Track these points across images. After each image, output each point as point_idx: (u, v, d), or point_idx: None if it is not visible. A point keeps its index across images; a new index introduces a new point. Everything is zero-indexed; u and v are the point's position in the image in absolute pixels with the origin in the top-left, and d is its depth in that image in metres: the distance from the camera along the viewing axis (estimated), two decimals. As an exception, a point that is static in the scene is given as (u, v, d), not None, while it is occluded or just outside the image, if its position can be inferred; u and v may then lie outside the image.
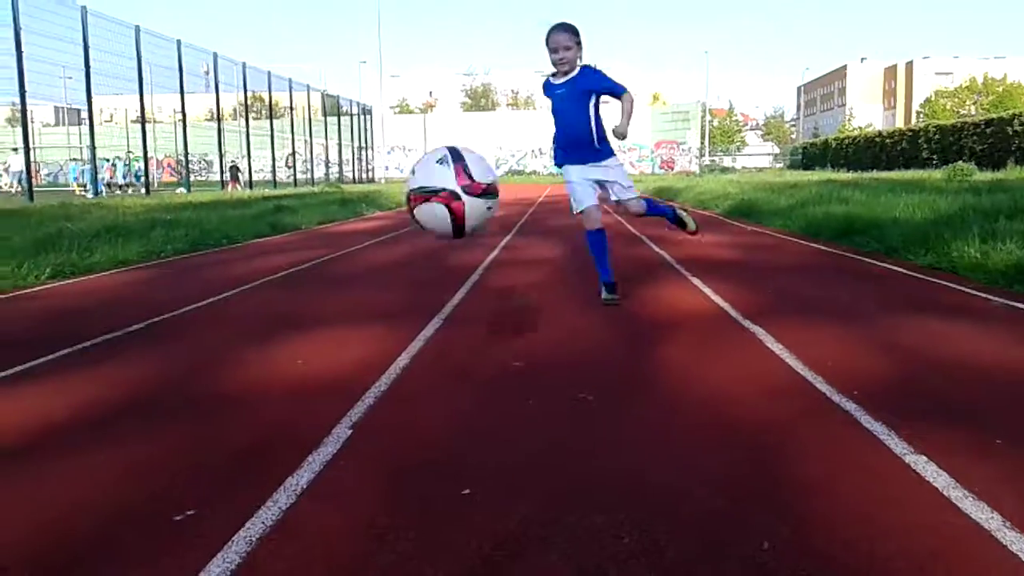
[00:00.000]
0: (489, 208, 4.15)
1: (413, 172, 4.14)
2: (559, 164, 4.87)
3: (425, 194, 3.99)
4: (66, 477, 2.11)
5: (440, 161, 4.02)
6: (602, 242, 4.78)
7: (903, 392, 2.79)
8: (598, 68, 4.68)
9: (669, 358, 3.38)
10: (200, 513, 1.85)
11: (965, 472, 2.01)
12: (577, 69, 4.57)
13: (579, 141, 4.67)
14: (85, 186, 27.57)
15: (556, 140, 4.83)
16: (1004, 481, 1.97)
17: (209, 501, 1.93)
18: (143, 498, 1.97)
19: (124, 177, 32.71)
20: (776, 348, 3.44)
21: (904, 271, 5.81)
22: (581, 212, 4.76)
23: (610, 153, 4.74)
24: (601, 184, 4.78)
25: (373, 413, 2.63)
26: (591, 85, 4.57)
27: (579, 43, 4.53)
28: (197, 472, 2.14)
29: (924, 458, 2.12)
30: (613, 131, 4.48)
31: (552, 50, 4.53)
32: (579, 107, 4.57)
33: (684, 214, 5.45)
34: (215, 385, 3.06)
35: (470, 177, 4.00)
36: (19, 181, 26.84)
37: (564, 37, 4.48)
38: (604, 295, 4.68)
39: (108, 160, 36.24)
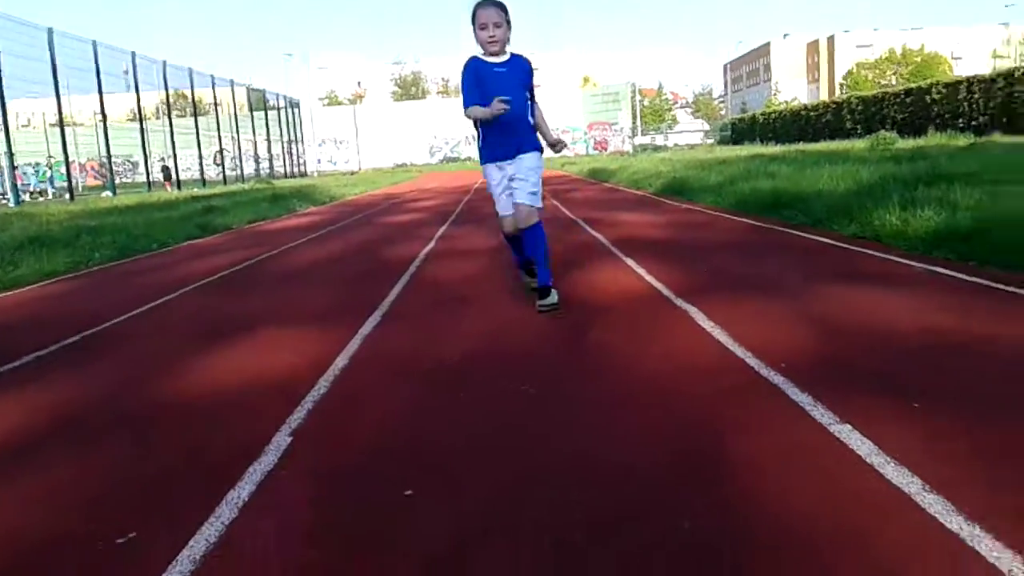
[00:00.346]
0: None
1: None
2: (485, 160, 4.34)
3: None
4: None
5: None
6: (541, 235, 4.28)
7: (828, 363, 2.89)
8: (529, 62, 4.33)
9: (605, 343, 3.43)
10: (142, 535, 1.84)
11: (887, 438, 2.10)
12: (509, 54, 4.21)
13: (517, 126, 4.21)
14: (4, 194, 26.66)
15: (488, 129, 4.22)
16: (923, 446, 2.06)
17: (151, 521, 1.91)
18: (82, 523, 1.94)
19: (37, 184, 31.74)
20: (707, 325, 3.53)
21: (830, 242, 5.98)
22: (500, 218, 4.38)
23: (539, 148, 4.36)
24: (511, 179, 4.25)
25: (313, 418, 2.63)
26: (527, 72, 4.26)
27: (508, 21, 4.17)
28: (136, 491, 2.12)
29: (848, 427, 2.21)
30: (553, 142, 4.38)
31: (480, 27, 4.09)
32: (521, 89, 4.20)
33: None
34: (152, 398, 3.02)
35: None
36: None
37: (493, 12, 4.09)
38: (544, 301, 4.15)
39: (16, 167, 35.06)
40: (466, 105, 4.16)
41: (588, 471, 2.06)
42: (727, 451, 2.13)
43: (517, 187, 4.20)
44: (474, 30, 4.13)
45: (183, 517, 1.90)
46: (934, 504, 1.73)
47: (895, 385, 2.57)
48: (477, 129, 4.32)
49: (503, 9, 4.15)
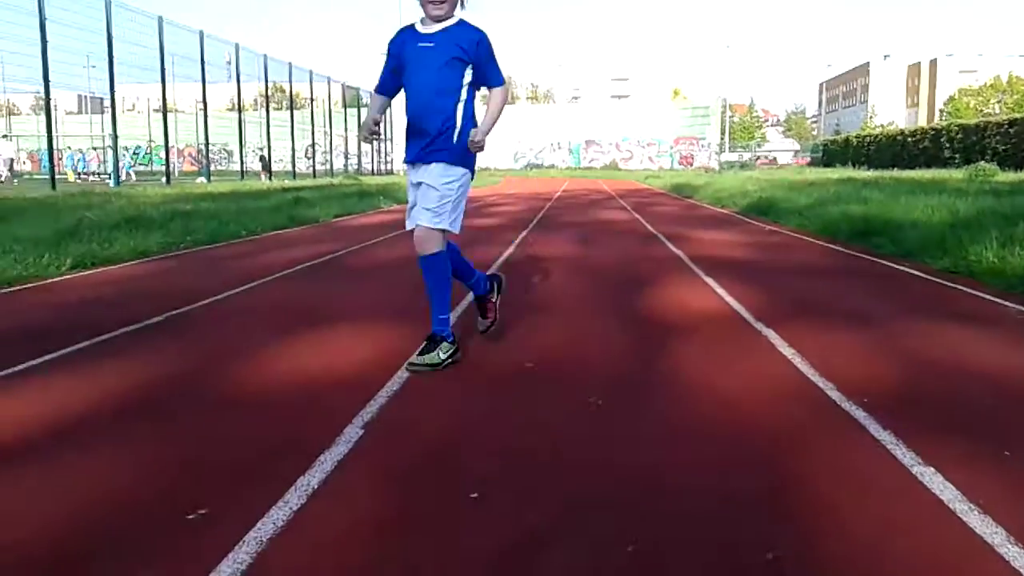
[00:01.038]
0: None
1: None
2: (406, 160, 3.37)
3: None
4: (80, 473, 2.15)
5: None
6: (441, 268, 3.34)
7: (913, 400, 2.79)
8: (486, 38, 3.26)
9: (680, 361, 3.39)
10: (212, 512, 1.89)
11: (972, 484, 2.02)
12: (454, 21, 3.20)
13: (428, 121, 3.19)
14: (80, 174, 27.96)
15: (408, 118, 3.29)
16: (1010, 495, 1.97)
17: (221, 500, 1.96)
18: (156, 496, 2.01)
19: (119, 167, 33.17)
20: (788, 352, 3.45)
21: (920, 274, 5.78)
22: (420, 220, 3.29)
23: (464, 159, 3.27)
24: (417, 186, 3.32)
25: (385, 412, 2.66)
26: (471, 46, 3.18)
27: None
28: (210, 470, 2.18)
29: (931, 469, 2.12)
30: (470, 137, 3.24)
31: None
32: (449, 71, 3.18)
33: (493, 302, 3.72)
34: (230, 381, 3.11)
35: None
36: (9, 169, 27.14)
37: None
38: (435, 356, 3.21)
39: (96, 149, 36.72)
40: (375, 89, 3.45)
41: (655, 491, 2.03)
42: (804, 485, 2.07)
43: (419, 202, 3.27)
44: None
45: (253, 499, 1.95)
46: (1019, 557, 1.65)
47: (983, 430, 2.47)
48: None
49: None
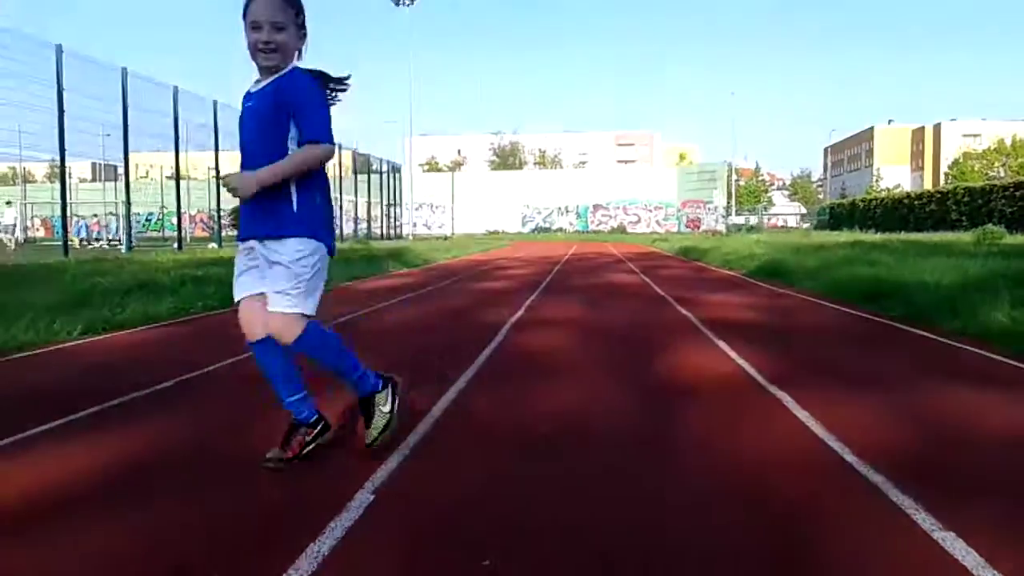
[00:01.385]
0: None
1: None
2: (239, 238, 2.98)
3: None
4: (89, 542, 2.13)
5: None
6: (270, 358, 2.95)
7: (931, 464, 2.75)
8: (316, 77, 2.82)
9: (694, 425, 3.35)
10: (222, 579, 1.86)
11: (994, 551, 1.98)
12: (287, 69, 2.75)
13: (265, 190, 2.67)
14: (82, 241, 28.42)
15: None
16: (1035, 561, 1.93)
17: (232, 568, 1.93)
18: (167, 566, 1.98)
19: (115, 232, 33.63)
20: (802, 415, 3.41)
21: (932, 336, 5.75)
22: (238, 303, 2.97)
23: (301, 230, 2.74)
24: (259, 275, 2.90)
25: (396, 477, 2.64)
26: (280, 108, 2.70)
27: (300, 24, 2.77)
28: (220, 537, 2.15)
29: (952, 535, 2.08)
30: (241, 174, 2.72)
31: (253, 27, 2.69)
32: (271, 134, 2.71)
33: (383, 403, 3.03)
34: (241, 446, 3.08)
35: None
36: (12, 234, 27.49)
37: (274, 8, 2.68)
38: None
39: (95, 216, 37.47)
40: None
41: (672, 557, 2.00)
42: (824, 551, 2.03)
43: (269, 285, 2.81)
44: (248, 33, 2.72)
45: (264, 565, 1.92)
46: (1049, 627, 1.61)
47: (1004, 495, 2.43)
48: None
49: (292, 2, 2.74)
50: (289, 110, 2.68)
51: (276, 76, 2.73)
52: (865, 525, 2.19)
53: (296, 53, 2.78)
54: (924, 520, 2.20)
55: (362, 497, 2.42)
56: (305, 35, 2.80)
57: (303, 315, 2.81)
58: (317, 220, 2.79)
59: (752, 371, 4.46)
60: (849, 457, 2.80)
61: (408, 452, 2.92)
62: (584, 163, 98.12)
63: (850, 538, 2.10)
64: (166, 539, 2.13)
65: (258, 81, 2.79)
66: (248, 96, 2.80)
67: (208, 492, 2.54)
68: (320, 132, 2.70)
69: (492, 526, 2.22)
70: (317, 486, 2.56)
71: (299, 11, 2.76)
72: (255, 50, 2.69)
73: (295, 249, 2.73)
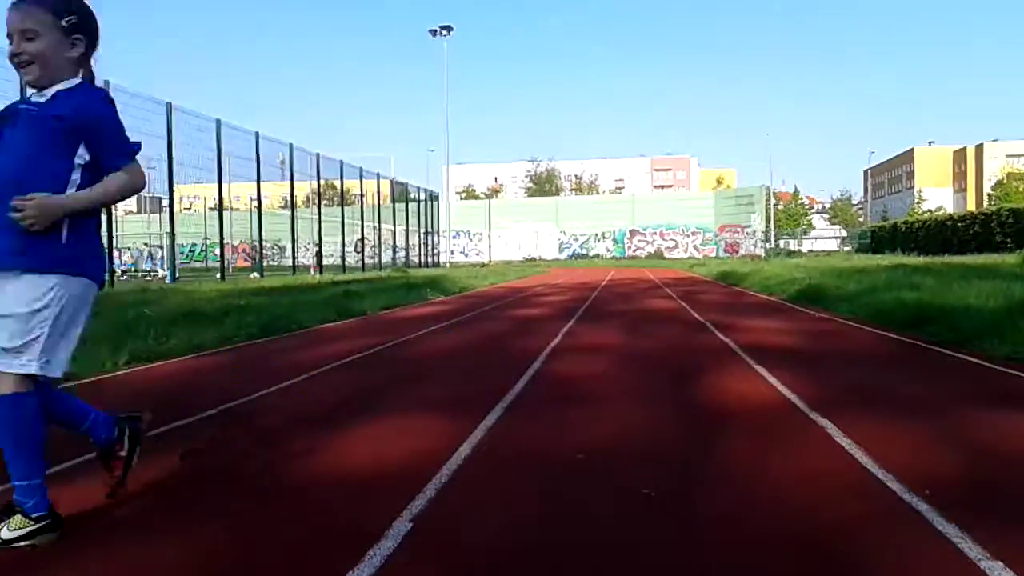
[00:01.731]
0: None
1: None
2: None
3: None
4: (131, 566, 2.16)
5: None
6: (17, 417, 2.36)
7: (978, 492, 2.69)
8: (109, 96, 2.56)
9: (734, 453, 3.32)
10: (263, 607, 1.88)
11: (1046, 582, 1.93)
12: (72, 85, 2.48)
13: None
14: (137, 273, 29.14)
15: None
16: (1088, 593, 1.88)
17: (272, 595, 1.96)
18: (209, 590, 2.01)
19: (148, 263, 34.29)
20: (845, 443, 3.36)
21: (979, 362, 5.64)
22: None
23: (41, 262, 2.35)
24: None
25: (434, 506, 2.65)
26: (79, 113, 2.41)
27: (69, 29, 2.43)
28: (263, 564, 2.18)
29: (1000, 564, 2.04)
30: (14, 201, 2.28)
31: (8, 38, 2.43)
32: (47, 156, 2.38)
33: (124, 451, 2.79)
34: (280, 473, 3.12)
35: None
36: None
37: (21, 15, 2.39)
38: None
39: (129, 248, 38.42)
40: None
41: (712, 587, 1.98)
42: (864, 579, 2.00)
43: None
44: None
45: (305, 596, 1.94)
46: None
47: (1055, 522, 2.37)
48: None
49: (47, 5, 2.41)
50: (77, 119, 2.39)
51: (59, 89, 2.44)
52: (911, 555, 2.15)
53: (77, 64, 2.47)
54: (971, 549, 2.15)
55: (400, 526, 2.43)
56: (82, 42, 2.46)
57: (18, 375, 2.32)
58: (90, 251, 2.48)
59: (793, 398, 4.41)
60: (894, 485, 2.75)
61: (446, 480, 2.93)
62: (621, 189, 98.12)
63: (896, 567, 2.07)
64: (208, 566, 2.16)
65: (34, 94, 2.48)
66: (12, 109, 2.48)
67: (245, 519, 2.57)
68: (125, 155, 2.52)
69: (533, 556, 2.22)
70: (357, 515, 2.58)
71: (62, 14, 2.40)
72: (15, 67, 2.43)
73: (22, 291, 2.33)
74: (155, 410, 4.28)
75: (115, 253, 21.01)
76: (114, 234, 19.56)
